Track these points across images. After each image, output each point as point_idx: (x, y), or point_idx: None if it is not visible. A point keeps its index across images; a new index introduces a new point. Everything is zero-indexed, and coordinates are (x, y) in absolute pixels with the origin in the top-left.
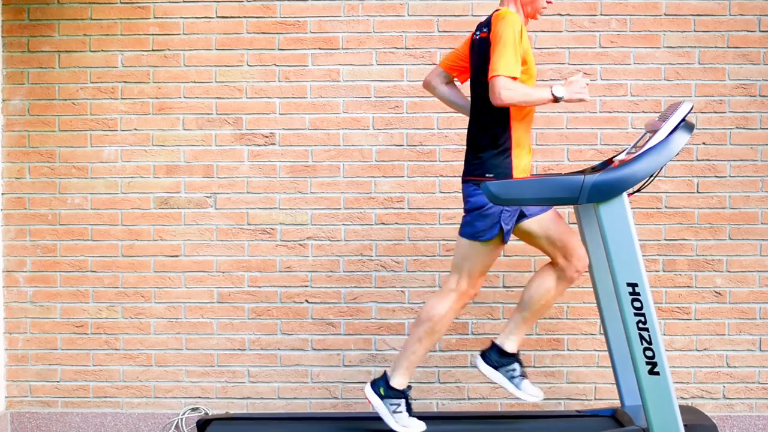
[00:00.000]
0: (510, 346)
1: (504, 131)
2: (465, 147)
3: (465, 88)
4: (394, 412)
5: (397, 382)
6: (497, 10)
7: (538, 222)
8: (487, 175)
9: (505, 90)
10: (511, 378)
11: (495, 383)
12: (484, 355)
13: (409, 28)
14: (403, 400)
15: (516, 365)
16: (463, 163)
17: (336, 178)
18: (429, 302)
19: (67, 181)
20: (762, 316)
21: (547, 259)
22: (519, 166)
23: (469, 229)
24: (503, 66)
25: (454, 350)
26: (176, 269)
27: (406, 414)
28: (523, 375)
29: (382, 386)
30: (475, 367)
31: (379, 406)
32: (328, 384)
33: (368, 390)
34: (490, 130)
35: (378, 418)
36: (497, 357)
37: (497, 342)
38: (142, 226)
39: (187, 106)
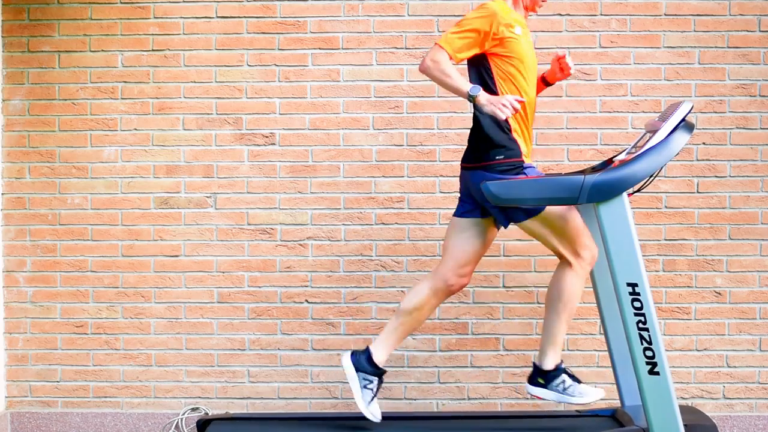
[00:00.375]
0: (549, 364)
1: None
2: (466, 144)
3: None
4: (564, 389)
5: (550, 364)
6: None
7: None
8: (497, 157)
9: (430, 60)
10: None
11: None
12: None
13: (409, 28)
14: (564, 374)
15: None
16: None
17: (336, 178)
18: (554, 280)
19: (67, 181)
20: (762, 316)
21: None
22: (523, 148)
23: (520, 212)
24: (444, 38)
25: (454, 350)
26: (176, 269)
27: (576, 384)
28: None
29: (539, 376)
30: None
31: (548, 395)
32: (328, 384)
33: (530, 388)
34: (493, 119)
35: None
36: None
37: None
38: (142, 226)
39: (187, 106)
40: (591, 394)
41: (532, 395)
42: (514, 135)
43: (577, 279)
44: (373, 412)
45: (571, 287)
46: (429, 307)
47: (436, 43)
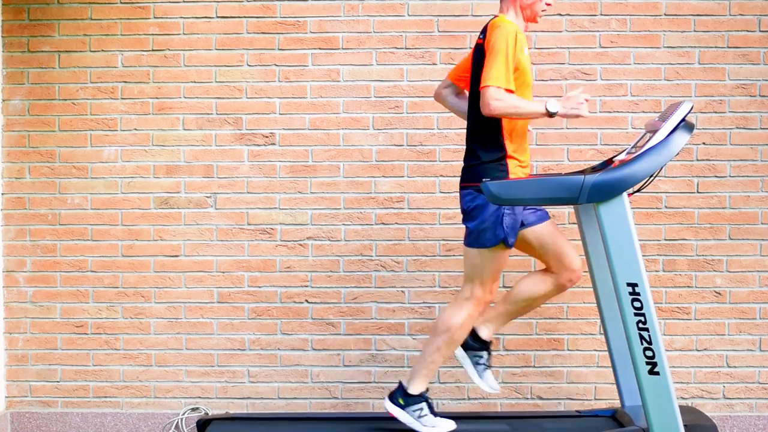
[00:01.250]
0: (484, 333)
1: (498, 139)
2: (464, 148)
3: None
4: (419, 417)
5: (416, 389)
6: (495, 17)
7: (534, 232)
8: (484, 180)
9: (494, 101)
10: (475, 364)
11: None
12: (391, 395)
13: (409, 28)
14: (424, 403)
15: (484, 354)
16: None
17: (336, 178)
18: (446, 312)
19: (67, 181)
20: (762, 316)
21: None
22: (514, 172)
23: (472, 238)
24: (494, 76)
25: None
26: (176, 269)
27: (431, 415)
28: (488, 365)
29: (400, 396)
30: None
31: (402, 416)
32: (328, 384)
33: (388, 404)
34: (484, 138)
35: (378, 418)
36: (470, 340)
37: (474, 326)
38: (142, 226)
39: (187, 106)
40: (442, 426)
41: (386, 410)
42: (508, 160)
43: (467, 317)
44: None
45: (460, 320)
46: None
47: (487, 86)
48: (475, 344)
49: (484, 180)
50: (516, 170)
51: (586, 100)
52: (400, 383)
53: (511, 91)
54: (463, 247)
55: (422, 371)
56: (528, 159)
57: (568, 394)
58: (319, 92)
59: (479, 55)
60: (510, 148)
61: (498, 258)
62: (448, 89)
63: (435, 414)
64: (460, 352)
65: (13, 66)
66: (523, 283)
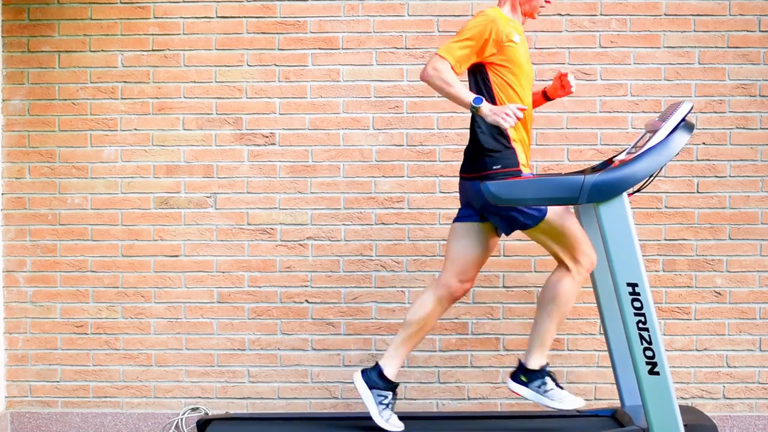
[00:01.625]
0: (532, 363)
1: (503, 132)
2: (466, 144)
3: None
4: (545, 392)
5: (535, 363)
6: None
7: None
8: (494, 167)
9: (431, 68)
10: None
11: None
12: (513, 375)
13: (409, 28)
14: (548, 377)
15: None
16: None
17: (336, 178)
18: (550, 281)
19: (67, 181)
20: (762, 316)
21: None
22: (521, 157)
23: (519, 223)
24: (447, 48)
25: (454, 350)
26: (176, 269)
27: (558, 389)
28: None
29: (522, 374)
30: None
31: (527, 393)
32: (328, 384)
33: (511, 384)
34: (489, 127)
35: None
36: (523, 373)
37: (522, 360)
38: (142, 226)
39: (187, 106)
40: (569, 400)
41: (511, 390)
42: (513, 144)
43: (573, 284)
44: (394, 425)
45: (567, 291)
46: (435, 316)
47: (436, 53)
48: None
49: (494, 168)
50: (523, 156)
51: (519, 118)
52: (520, 362)
53: (456, 73)
54: (527, 234)
55: (537, 343)
56: (529, 147)
57: None
58: (319, 92)
59: None
60: (514, 135)
61: (559, 220)
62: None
63: (561, 387)
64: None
65: (13, 66)
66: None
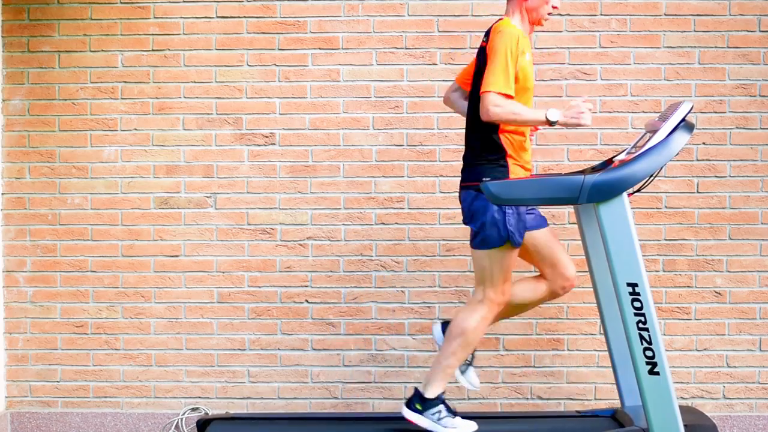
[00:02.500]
0: (430, 392)
1: (496, 139)
2: (464, 148)
3: None
4: (439, 419)
5: (433, 393)
6: (500, 19)
7: (531, 237)
8: (484, 179)
9: (493, 106)
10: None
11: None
12: (408, 402)
13: (409, 28)
14: (442, 405)
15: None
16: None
17: (336, 178)
18: (459, 316)
19: (67, 181)
20: (762, 316)
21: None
22: (515, 171)
23: (478, 240)
24: (494, 82)
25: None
26: (176, 269)
27: (450, 416)
28: (470, 363)
29: (417, 402)
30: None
31: (421, 421)
32: (328, 384)
33: (405, 411)
34: (483, 138)
35: (378, 418)
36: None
37: (418, 387)
38: (142, 226)
39: (187, 106)
40: (462, 426)
41: (406, 419)
42: (508, 160)
43: (483, 320)
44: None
45: (476, 328)
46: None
47: (486, 92)
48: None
49: (483, 180)
50: (516, 169)
51: (590, 109)
52: (416, 389)
53: (510, 97)
54: (471, 250)
55: (438, 375)
56: (529, 158)
57: (568, 394)
58: (319, 92)
59: (482, 58)
60: (509, 148)
61: (506, 258)
62: (456, 93)
63: (454, 415)
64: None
65: (13, 66)
66: (515, 288)
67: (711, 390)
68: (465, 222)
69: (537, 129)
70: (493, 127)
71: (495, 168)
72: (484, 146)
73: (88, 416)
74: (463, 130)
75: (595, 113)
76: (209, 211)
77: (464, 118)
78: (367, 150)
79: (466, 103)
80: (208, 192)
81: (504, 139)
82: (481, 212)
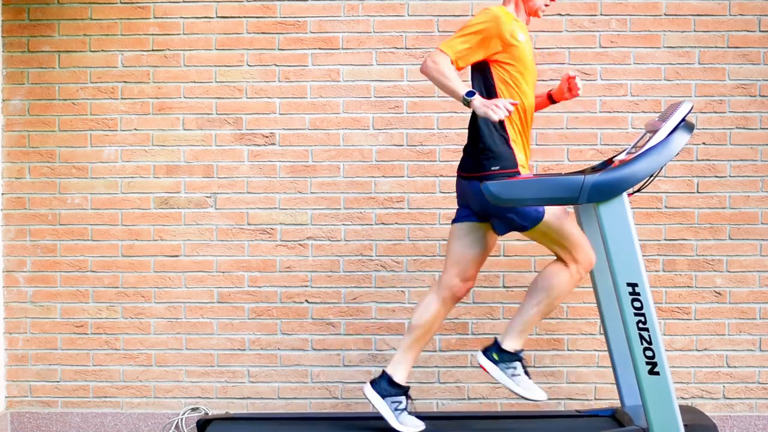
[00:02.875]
0: (508, 345)
1: (500, 127)
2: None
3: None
4: (512, 375)
5: (510, 345)
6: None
7: (553, 214)
8: (493, 168)
9: (430, 61)
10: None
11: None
12: (486, 349)
13: (409, 28)
14: (519, 363)
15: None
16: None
17: (336, 178)
18: (547, 270)
19: (67, 181)
20: (762, 316)
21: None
22: (520, 159)
23: (518, 223)
24: (446, 42)
25: (454, 350)
26: (176, 269)
27: (524, 374)
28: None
29: (495, 351)
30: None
31: (494, 371)
32: (328, 384)
33: (480, 358)
34: (487, 127)
35: (378, 418)
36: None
37: (498, 339)
38: (142, 226)
39: (187, 106)
40: (535, 392)
41: (479, 364)
42: (512, 144)
43: (569, 280)
44: (414, 425)
45: (561, 285)
46: (440, 317)
47: (437, 47)
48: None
49: (492, 168)
50: (521, 157)
51: (510, 111)
52: (495, 340)
53: (454, 63)
54: (526, 235)
55: (518, 327)
56: (529, 148)
57: (568, 393)
58: (319, 92)
59: None
60: (513, 135)
61: (558, 224)
62: None
63: (529, 376)
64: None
65: (13, 66)
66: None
67: (711, 390)
68: (482, 210)
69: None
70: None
71: (502, 156)
72: (490, 135)
73: (88, 416)
74: (463, 131)
75: (595, 113)
76: (209, 211)
77: (465, 118)
78: (367, 150)
79: None
80: (208, 192)
81: (507, 128)
82: None
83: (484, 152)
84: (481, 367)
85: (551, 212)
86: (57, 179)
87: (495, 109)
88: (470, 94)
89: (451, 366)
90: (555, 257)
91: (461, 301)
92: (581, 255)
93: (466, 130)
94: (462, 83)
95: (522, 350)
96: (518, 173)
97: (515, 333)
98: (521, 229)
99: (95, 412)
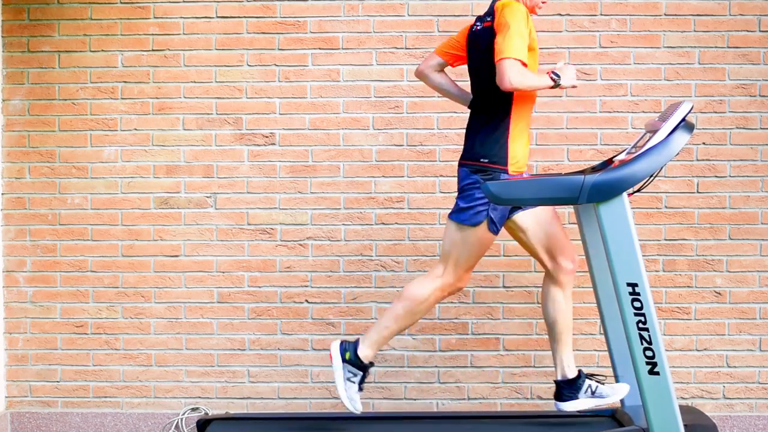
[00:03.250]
0: (571, 372)
1: (503, 120)
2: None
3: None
4: (347, 379)
5: (363, 353)
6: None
7: (533, 215)
8: (481, 160)
9: (512, 73)
10: (593, 394)
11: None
12: (558, 396)
13: (409, 28)
14: (361, 374)
15: (587, 381)
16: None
17: (336, 178)
18: (414, 281)
19: (67, 181)
20: (762, 316)
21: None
22: (514, 155)
23: (456, 211)
24: (510, 48)
25: (454, 350)
26: (176, 269)
27: (356, 387)
28: (599, 381)
29: (350, 350)
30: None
31: (337, 367)
32: (328, 384)
33: (334, 347)
34: (488, 118)
35: (378, 418)
36: (569, 389)
37: (360, 340)
38: (142, 226)
39: (187, 106)
40: (355, 404)
41: (330, 349)
42: (509, 140)
43: (432, 293)
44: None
45: (425, 294)
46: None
47: (501, 58)
48: (576, 384)
49: (481, 160)
50: (516, 153)
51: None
52: (358, 339)
53: (525, 65)
54: (447, 221)
55: (374, 336)
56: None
57: None
58: (319, 92)
59: (487, 37)
60: (514, 131)
61: (479, 243)
62: (433, 66)
63: (361, 389)
64: (581, 403)
65: (13, 66)
66: (548, 310)
67: (711, 390)
68: (457, 197)
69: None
70: (500, 110)
71: (494, 149)
72: (487, 127)
73: (88, 416)
74: (463, 130)
75: (595, 113)
76: (209, 211)
77: (465, 118)
78: (367, 150)
79: (439, 78)
80: (208, 192)
81: (510, 122)
82: (471, 189)
83: (475, 145)
84: (329, 354)
85: (480, 233)
86: (57, 179)
87: (573, 77)
88: (557, 77)
89: (451, 366)
90: (440, 270)
91: (460, 301)
92: (458, 276)
93: (470, 110)
94: (540, 76)
95: (372, 364)
96: (505, 171)
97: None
98: (456, 218)
99: (95, 412)
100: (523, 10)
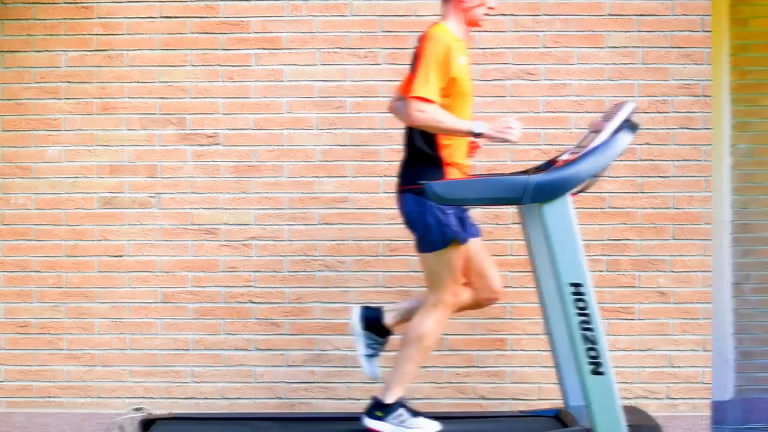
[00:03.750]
0: (390, 399)
1: (433, 148)
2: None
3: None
4: (401, 422)
5: (393, 398)
6: (435, 24)
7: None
8: (418, 182)
9: (416, 111)
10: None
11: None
12: (368, 412)
13: (353, 29)
14: (402, 408)
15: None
16: None
17: (280, 178)
18: (415, 320)
19: (11, 181)
20: (705, 316)
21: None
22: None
23: (423, 243)
24: (419, 87)
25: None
26: (120, 269)
27: (411, 417)
28: (412, 413)
29: (377, 410)
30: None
31: (385, 428)
32: (272, 384)
33: (368, 421)
34: (420, 145)
35: (322, 419)
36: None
37: (378, 396)
38: (85, 226)
39: (131, 106)
40: (427, 426)
41: (366, 428)
42: (444, 164)
43: (436, 325)
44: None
45: (430, 332)
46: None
47: (410, 96)
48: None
49: (424, 182)
50: (454, 173)
51: (520, 127)
52: (374, 398)
53: (432, 103)
54: (419, 255)
55: (397, 382)
56: (467, 163)
57: (511, 394)
58: (262, 92)
59: (413, 61)
60: (446, 152)
61: (454, 258)
62: (400, 102)
63: (416, 414)
64: (380, 425)
65: None
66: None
67: (655, 390)
68: (407, 226)
69: (477, 148)
70: (428, 138)
71: (432, 172)
72: (422, 150)
73: (31, 416)
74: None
75: (538, 113)
76: (153, 211)
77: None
78: (310, 150)
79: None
80: (152, 192)
81: (441, 145)
82: (421, 215)
83: (412, 171)
84: (371, 430)
85: (452, 249)
86: (0, 179)
87: (506, 131)
88: (478, 126)
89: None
90: (434, 298)
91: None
92: (453, 293)
93: (404, 135)
94: (459, 120)
95: (402, 396)
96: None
97: (394, 385)
98: (424, 249)
99: (39, 412)
100: (446, 43)
